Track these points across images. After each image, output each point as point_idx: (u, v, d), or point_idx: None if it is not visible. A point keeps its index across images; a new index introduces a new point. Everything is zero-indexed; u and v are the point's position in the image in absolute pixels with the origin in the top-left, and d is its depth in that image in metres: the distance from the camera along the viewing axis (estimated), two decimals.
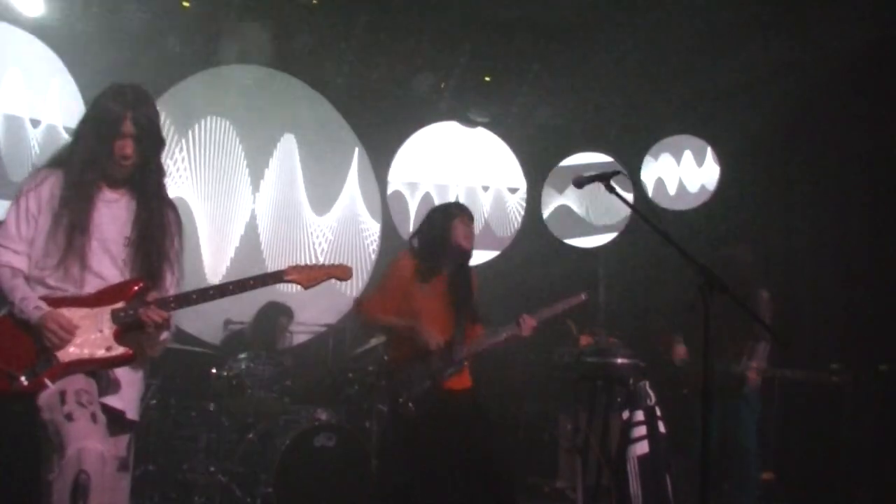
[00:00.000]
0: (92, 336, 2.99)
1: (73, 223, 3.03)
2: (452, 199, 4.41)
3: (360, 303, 4.57)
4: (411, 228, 7.75)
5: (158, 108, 3.23)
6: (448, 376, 4.31)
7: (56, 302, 3.00)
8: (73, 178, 3.08)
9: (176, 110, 7.10)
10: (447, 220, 4.44)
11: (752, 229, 6.95)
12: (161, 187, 3.24)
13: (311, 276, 3.30)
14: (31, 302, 2.97)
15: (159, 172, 3.23)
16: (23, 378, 2.90)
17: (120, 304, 3.03)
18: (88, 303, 3.03)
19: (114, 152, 3.07)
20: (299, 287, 3.30)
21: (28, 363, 2.93)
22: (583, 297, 4.57)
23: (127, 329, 3.03)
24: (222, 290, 3.15)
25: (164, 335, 3.16)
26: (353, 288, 7.61)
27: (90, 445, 2.80)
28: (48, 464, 2.83)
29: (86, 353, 2.97)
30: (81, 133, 3.16)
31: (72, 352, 2.96)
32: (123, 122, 3.05)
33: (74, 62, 6.52)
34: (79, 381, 2.94)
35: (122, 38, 6.51)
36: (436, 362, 4.28)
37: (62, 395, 2.87)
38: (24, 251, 3.06)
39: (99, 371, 3.02)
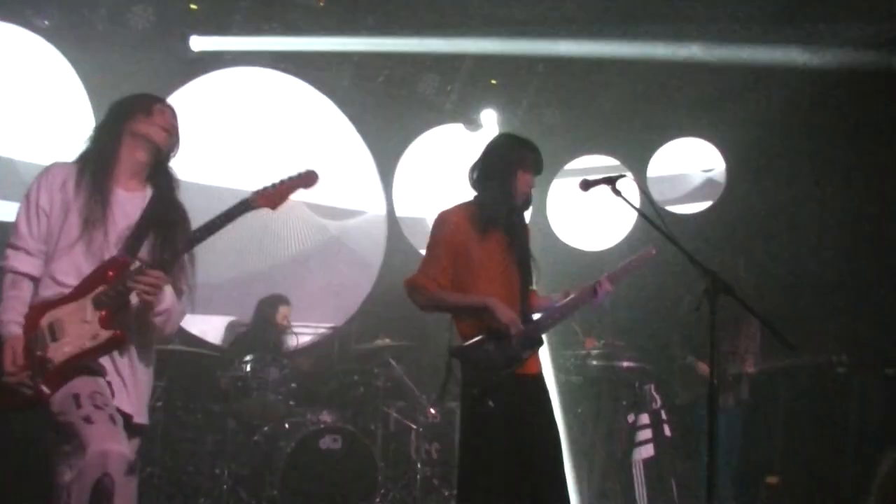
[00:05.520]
0: (78, 329, 2.93)
1: (87, 222, 3.01)
2: (457, 202, 3.81)
3: (412, 282, 3.74)
4: (417, 234, 7.77)
5: None
6: (525, 360, 3.68)
7: (42, 308, 2.97)
8: (89, 176, 3.07)
9: (182, 112, 7.06)
10: (512, 166, 3.79)
11: (759, 232, 6.93)
12: (174, 188, 3.26)
13: (279, 194, 3.14)
14: (4, 323, 2.96)
15: (173, 173, 3.28)
16: (25, 389, 2.89)
17: (100, 289, 2.96)
18: (71, 297, 2.97)
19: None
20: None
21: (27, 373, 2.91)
22: (652, 251, 4.10)
23: (112, 311, 2.94)
24: (191, 241, 3.05)
25: (164, 304, 3.01)
26: (362, 290, 7.62)
27: (113, 448, 2.74)
28: (62, 466, 2.79)
29: (76, 347, 2.92)
30: (99, 132, 3.19)
31: (65, 351, 2.92)
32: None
33: (82, 64, 6.53)
34: (90, 384, 2.88)
35: (129, 40, 6.53)
36: (513, 344, 3.63)
37: (76, 398, 2.82)
38: (35, 249, 3.03)
39: (106, 375, 2.96)
